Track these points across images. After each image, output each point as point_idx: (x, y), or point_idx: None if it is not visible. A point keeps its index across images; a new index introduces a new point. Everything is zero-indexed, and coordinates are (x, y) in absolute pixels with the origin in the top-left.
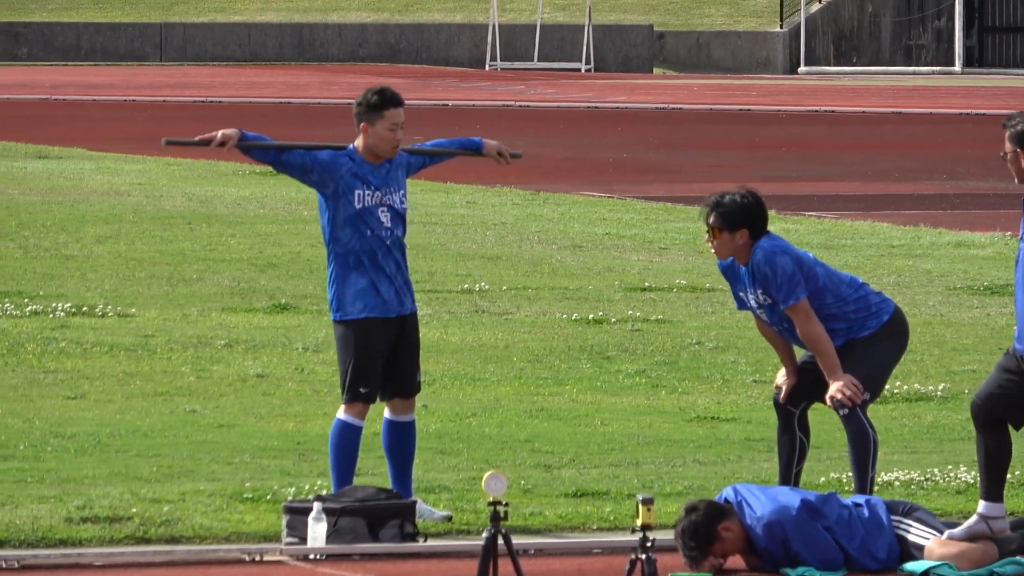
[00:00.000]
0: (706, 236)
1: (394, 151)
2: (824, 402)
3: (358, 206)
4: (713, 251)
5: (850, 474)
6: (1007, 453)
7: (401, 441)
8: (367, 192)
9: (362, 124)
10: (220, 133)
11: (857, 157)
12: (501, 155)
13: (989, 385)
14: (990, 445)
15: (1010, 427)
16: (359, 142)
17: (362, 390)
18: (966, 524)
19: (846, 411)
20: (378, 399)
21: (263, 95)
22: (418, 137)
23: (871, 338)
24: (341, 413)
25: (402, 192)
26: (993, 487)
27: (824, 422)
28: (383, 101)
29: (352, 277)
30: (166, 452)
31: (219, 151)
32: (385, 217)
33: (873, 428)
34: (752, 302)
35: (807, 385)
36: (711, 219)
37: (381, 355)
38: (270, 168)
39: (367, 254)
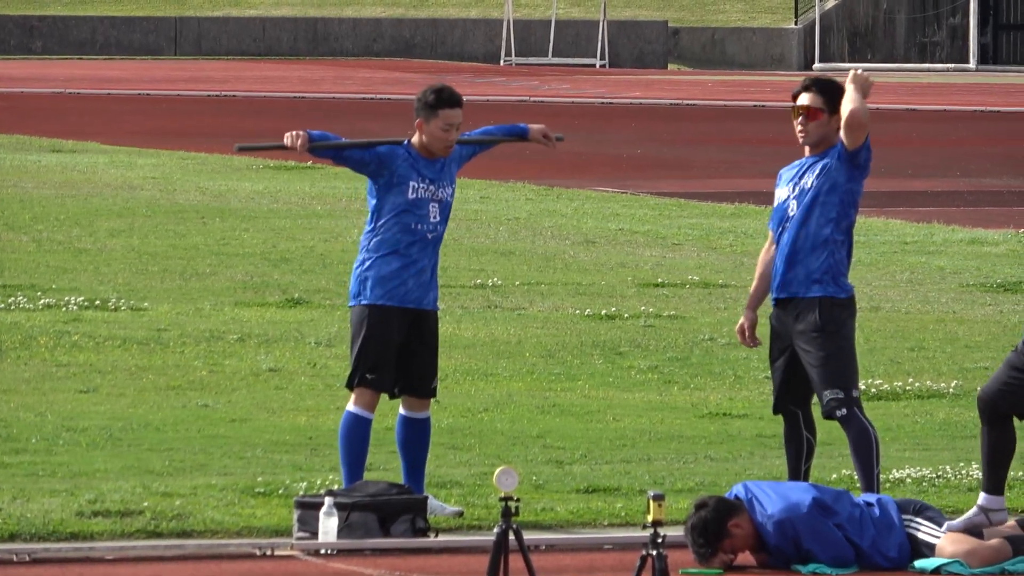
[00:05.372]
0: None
1: (447, 151)
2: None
3: (411, 196)
4: (803, 135)
5: None
6: (1011, 448)
7: (415, 438)
8: (421, 184)
9: (418, 120)
10: (287, 137)
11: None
12: (547, 138)
13: (996, 381)
14: (994, 439)
15: (1016, 421)
16: (415, 137)
17: (368, 376)
18: (965, 516)
19: (843, 412)
20: (392, 395)
21: (278, 89)
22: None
23: (844, 314)
24: (350, 405)
25: (453, 187)
26: (994, 480)
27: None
28: (439, 101)
29: (382, 264)
30: (178, 446)
31: (291, 153)
32: (434, 212)
33: (872, 426)
34: (797, 188)
35: (801, 384)
36: (808, 99)
37: (394, 345)
38: (283, 163)
39: (405, 245)
